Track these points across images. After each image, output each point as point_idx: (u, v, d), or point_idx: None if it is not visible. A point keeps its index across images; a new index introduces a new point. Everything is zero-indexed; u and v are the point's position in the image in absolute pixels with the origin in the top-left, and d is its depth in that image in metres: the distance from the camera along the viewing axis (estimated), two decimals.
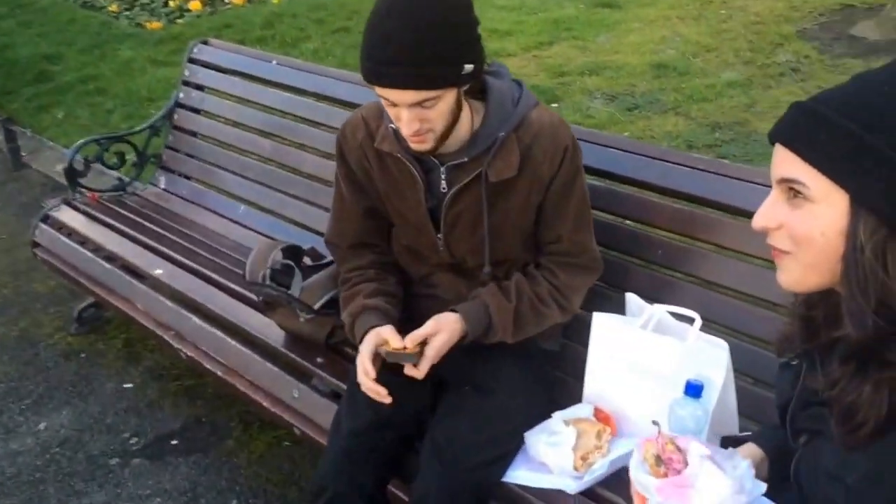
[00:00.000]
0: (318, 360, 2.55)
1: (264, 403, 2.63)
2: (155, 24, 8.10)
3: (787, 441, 1.57)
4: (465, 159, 2.05)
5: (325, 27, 7.50)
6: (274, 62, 3.57)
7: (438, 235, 2.16)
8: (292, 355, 2.59)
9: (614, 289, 2.39)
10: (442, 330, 2.04)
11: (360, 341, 2.12)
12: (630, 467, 1.44)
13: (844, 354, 1.28)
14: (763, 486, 1.39)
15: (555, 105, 5.40)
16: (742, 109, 5.18)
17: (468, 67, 1.88)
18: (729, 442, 1.78)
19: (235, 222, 3.50)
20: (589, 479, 2.04)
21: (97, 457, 3.10)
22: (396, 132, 2.06)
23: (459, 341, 2.08)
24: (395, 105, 1.90)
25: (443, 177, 2.10)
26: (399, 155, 2.09)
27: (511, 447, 2.11)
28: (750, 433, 1.74)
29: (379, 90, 1.88)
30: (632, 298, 2.23)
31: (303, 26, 7.55)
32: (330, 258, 2.67)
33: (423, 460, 2.10)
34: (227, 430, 3.21)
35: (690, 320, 2.08)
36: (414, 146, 2.01)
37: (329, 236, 2.39)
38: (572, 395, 2.30)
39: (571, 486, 2.02)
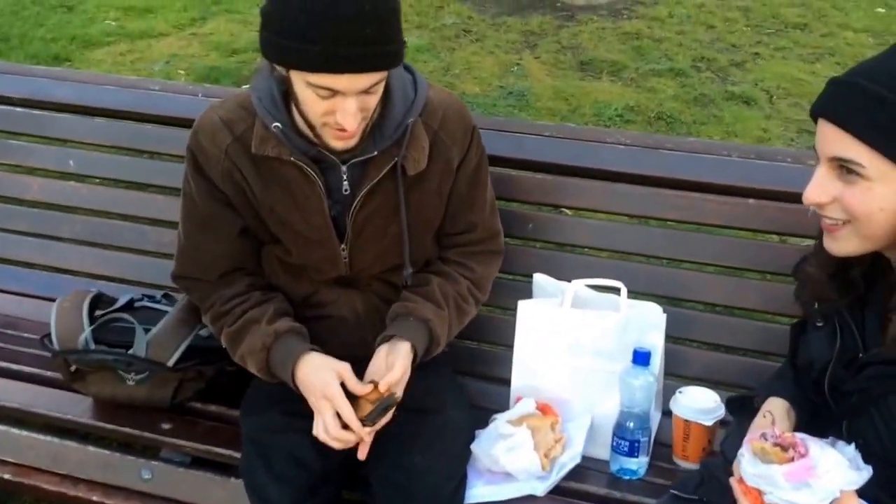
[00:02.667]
0: (164, 426, 2.27)
1: (94, 498, 2.29)
2: None
3: (803, 393, 1.73)
4: (375, 153, 1.94)
5: None
6: None
7: (342, 246, 2.03)
8: (127, 429, 2.28)
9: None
10: (396, 363, 1.94)
11: (292, 373, 1.94)
12: (743, 466, 1.50)
13: None
14: (870, 469, 1.48)
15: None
16: (441, 73, 5.50)
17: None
18: (735, 401, 1.92)
19: None
20: (557, 476, 2.08)
21: None
22: (285, 132, 1.90)
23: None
24: (334, 95, 1.75)
25: (345, 177, 1.97)
26: (293, 158, 1.92)
27: (466, 465, 2.08)
28: (750, 391, 1.89)
29: (325, 79, 1.72)
30: (540, 279, 2.29)
31: None
32: (127, 300, 2.38)
33: None
34: None
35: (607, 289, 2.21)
36: (340, 143, 1.87)
37: (185, 270, 2.14)
38: (478, 394, 2.36)
39: (539, 489, 2.05)
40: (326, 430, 1.88)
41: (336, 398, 1.87)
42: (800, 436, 1.51)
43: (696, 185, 2.33)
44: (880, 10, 6.72)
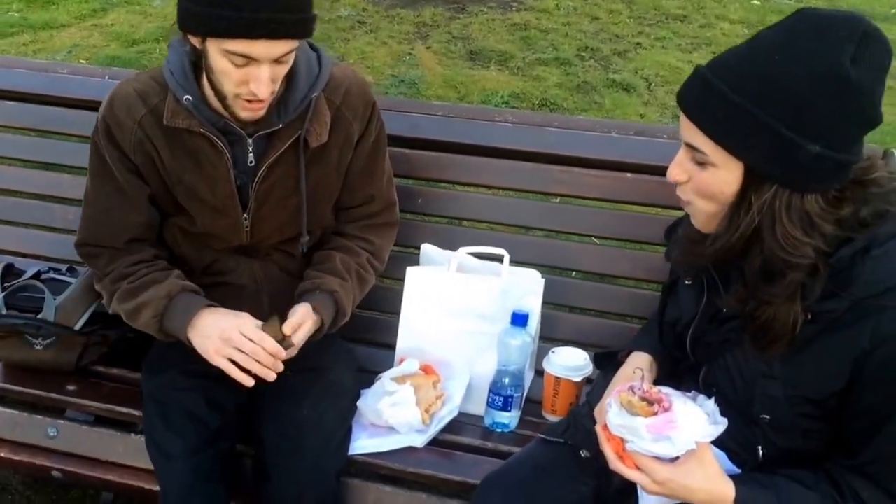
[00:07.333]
0: (70, 387, 2.31)
1: (2, 454, 2.31)
2: None
3: (665, 348, 1.84)
4: (279, 126, 2.00)
5: None
6: None
7: (245, 215, 2.08)
8: (34, 390, 2.30)
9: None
10: (307, 319, 2.01)
11: (188, 326, 1.97)
12: (609, 417, 1.57)
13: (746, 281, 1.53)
14: (726, 421, 1.54)
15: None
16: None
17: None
18: (602, 356, 2.03)
19: None
20: (435, 429, 2.18)
21: None
22: (196, 104, 1.95)
23: (315, 335, 2.06)
24: (249, 63, 1.80)
25: (250, 149, 2.02)
26: (202, 130, 1.97)
27: (352, 420, 2.16)
28: (616, 349, 1.98)
29: (242, 45, 1.77)
30: (428, 249, 2.38)
31: None
32: (34, 272, 2.40)
33: (273, 459, 2.04)
34: None
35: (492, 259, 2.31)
36: (249, 114, 1.92)
37: (90, 237, 2.15)
38: (366, 358, 2.43)
39: (418, 440, 2.14)
40: (245, 334, 1.92)
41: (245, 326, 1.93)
42: (665, 391, 1.60)
43: (577, 161, 2.42)
44: (755, 2, 6.93)
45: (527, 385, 2.31)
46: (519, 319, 2.17)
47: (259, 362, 1.93)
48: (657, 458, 1.53)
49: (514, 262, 2.31)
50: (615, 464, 1.58)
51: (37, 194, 2.82)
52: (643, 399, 1.56)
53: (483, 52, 5.82)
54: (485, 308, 2.25)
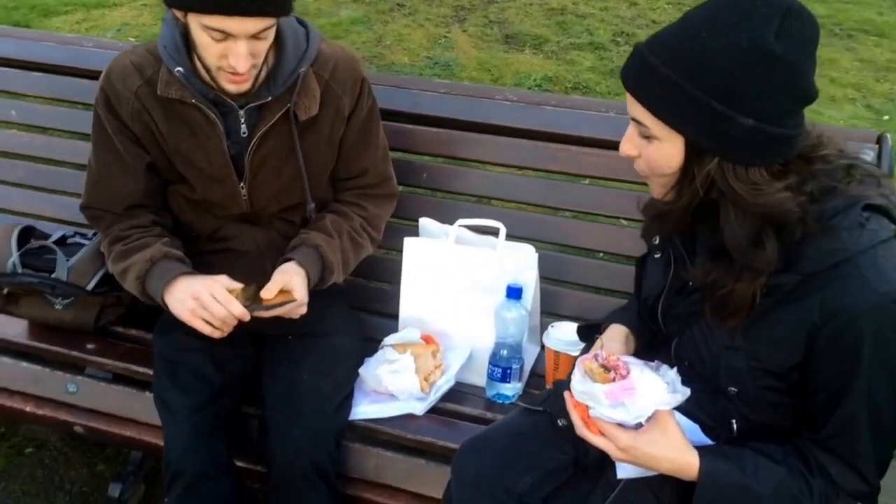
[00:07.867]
0: (89, 346, 2.41)
1: (27, 409, 2.42)
2: None
3: (642, 322, 1.85)
4: (269, 99, 2.07)
5: None
6: None
7: (241, 184, 2.16)
8: (56, 348, 2.41)
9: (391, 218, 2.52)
10: (294, 275, 2.07)
11: (164, 289, 2.04)
12: (572, 383, 1.61)
13: (713, 254, 1.55)
14: (688, 391, 1.55)
15: None
16: (373, 44, 5.59)
17: None
18: (584, 328, 2.06)
19: None
20: (434, 397, 2.23)
21: None
22: (187, 76, 2.03)
23: None
24: (227, 38, 1.87)
25: (242, 120, 2.09)
26: (194, 101, 2.04)
27: (352, 386, 2.22)
28: (600, 319, 1.99)
29: (217, 21, 1.84)
30: (426, 223, 2.43)
31: None
32: (60, 235, 2.51)
33: (272, 420, 2.12)
34: None
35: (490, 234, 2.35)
36: (233, 87, 1.99)
37: (92, 200, 2.23)
38: (372, 327, 2.49)
39: (418, 408, 2.20)
40: (215, 295, 1.99)
41: (215, 289, 2.00)
42: (626, 359, 1.63)
43: (575, 139, 2.47)
44: None
45: (531, 358, 2.35)
46: (513, 293, 2.21)
47: (224, 323, 2.00)
48: (621, 425, 1.56)
49: (513, 238, 2.34)
50: (581, 430, 1.61)
51: (65, 161, 2.94)
52: (602, 366, 1.59)
53: (518, 36, 5.84)
54: (482, 280, 2.29)
